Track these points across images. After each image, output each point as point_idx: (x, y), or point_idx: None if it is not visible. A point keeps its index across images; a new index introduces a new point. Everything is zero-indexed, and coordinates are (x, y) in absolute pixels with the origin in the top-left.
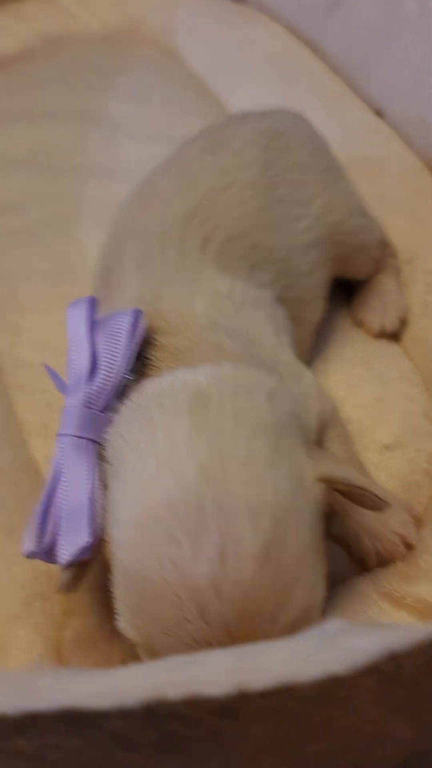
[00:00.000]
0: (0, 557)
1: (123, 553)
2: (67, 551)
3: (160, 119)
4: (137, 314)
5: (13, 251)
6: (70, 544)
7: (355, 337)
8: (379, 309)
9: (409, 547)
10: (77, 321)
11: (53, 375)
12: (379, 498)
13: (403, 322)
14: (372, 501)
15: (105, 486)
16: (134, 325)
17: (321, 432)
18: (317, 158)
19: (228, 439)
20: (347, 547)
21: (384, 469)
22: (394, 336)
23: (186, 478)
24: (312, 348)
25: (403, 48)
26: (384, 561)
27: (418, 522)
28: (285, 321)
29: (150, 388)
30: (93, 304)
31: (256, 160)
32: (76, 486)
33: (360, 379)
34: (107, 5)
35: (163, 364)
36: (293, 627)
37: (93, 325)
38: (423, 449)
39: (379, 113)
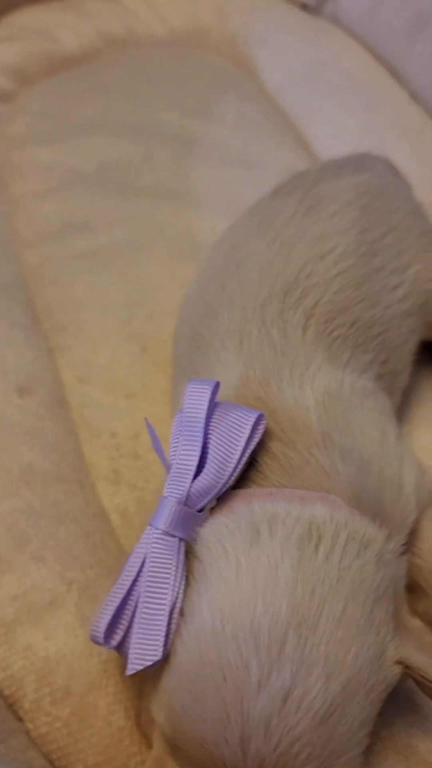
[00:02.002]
0: (77, 619)
1: (189, 653)
2: (135, 663)
3: (235, 140)
4: (260, 418)
5: (83, 277)
6: (140, 657)
7: None
8: None
9: None
10: (196, 405)
11: (155, 443)
12: None
13: None
14: None
15: (187, 581)
16: (254, 428)
17: (421, 510)
18: (415, 220)
19: (328, 590)
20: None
21: None
22: None
23: (277, 611)
24: (398, 411)
25: None
26: None
27: None
28: (386, 401)
29: (260, 502)
30: (216, 390)
31: (355, 223)
32: (158, 593)
33: None
34: (174, 7)
35: (273, 475)
36: None
37: (210, 412)
38: None
39: None
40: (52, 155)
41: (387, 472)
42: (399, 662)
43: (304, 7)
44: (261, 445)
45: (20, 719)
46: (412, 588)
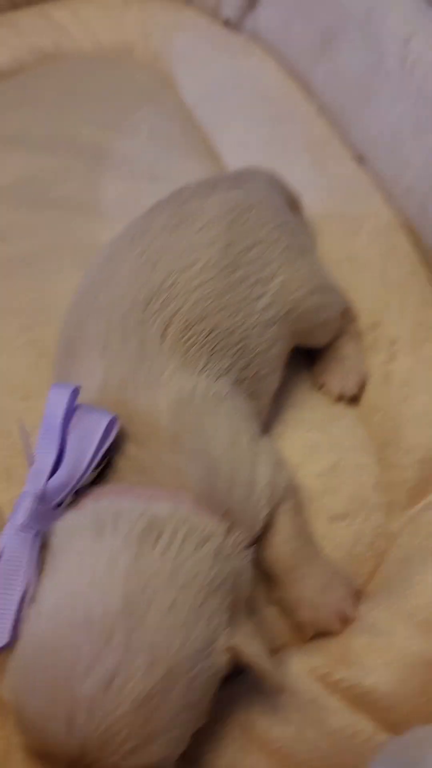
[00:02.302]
0: None
1: (30, 637)
2: None
3: (146, 153)
4: (113, 421)
5: None
6: None
7: (314, 400)
8: (339, 373)
9: (346, 622)
10: (55, 408)
11: (25, 443)
12: (279, 682)
13: (362, 387)
14: (272, 683)
15: (40, 570)
16: (108, 430)
17: (274, 506)
18: (281, 234)
19: (161, 583)
20: (286, 614)
21: (331, 540)
22: (353, 400)
23: (111, 603)
24: (271, 410)
25: (384, 103)
26: (320, 632)
27: (358, 596)
28: (244, 404)
29: (108, 500)
30: (76, 394)
31: (219, 237)
32: (9, 583)
33: (315, 445)
34: (103, 24)
35: (128, 476)
36: None
37: (69, 415)
38: (369, 521)
39: (360, 159)
40: None
41: (238, 472)
42: (229, 649)
43: (227, 23)
44: (117, 447)
45: None
46: (269, 577)
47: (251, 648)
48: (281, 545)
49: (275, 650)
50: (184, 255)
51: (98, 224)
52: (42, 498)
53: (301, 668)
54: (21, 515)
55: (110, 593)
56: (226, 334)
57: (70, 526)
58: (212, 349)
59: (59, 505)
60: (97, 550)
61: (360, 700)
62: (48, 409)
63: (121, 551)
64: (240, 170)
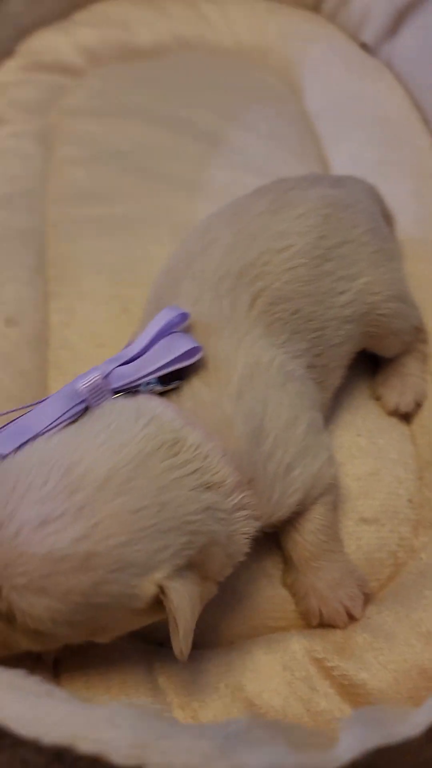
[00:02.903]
0: None
1: (20, 455)
2: None
3: (260, 150)
4: (196, 350)
5: (87, 239)
6: None
7: (369, 408)
8: (398, 388)
9: (351, 618)
10: (160, 319)
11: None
12: (182, 648)
13: (417, 407)
14: (176, 642)
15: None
16: (188, 355)
17: (313, 497)
18: (372, 238)
19: (145, 487)
20: (295, 601)
21: (356, 540)
22: (407, 417)
23: (95, 469)
24: (328, 408)
25: None
26: (325, 624)
27: (368, 599)
28: (312, 391)
29: (157, 404)
30: (184, 318)
31: (315, 228)
32: (41, 416)
33: (360, 450)
34: (246, 24)
35: (183, 400)
36: None
37: (167, 327)
38: (396, 531)
39: None
40: (96, 129)
41: (280, 450)
42: (158, 586)
43: (364, 46)
44: (187, 377)
45: None
46: (286, 561)
47: (179, 600)
48: (309, 534)
49: (277, 629)
50: (280, 238)
51: (199, 204)
52: (105, 377)
53: (300, 647)
54: (83, 382)
55: (101, 463)
56: (307, 319)
57: (116, 405)
58: (294, 329)
59: (117, 392)
60: (119, 429)
61: (350, 690)
62: (155, 319)
63: (137, 443)
64: (343, 175)
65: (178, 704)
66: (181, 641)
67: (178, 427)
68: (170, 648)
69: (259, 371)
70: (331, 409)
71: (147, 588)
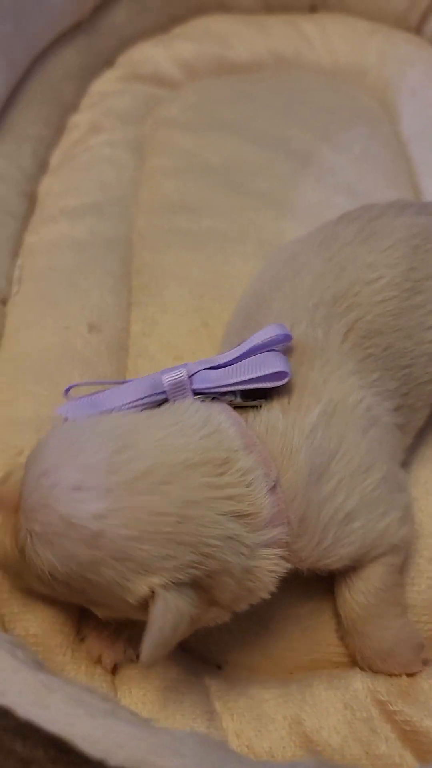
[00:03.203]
0: None
1: (81, 420)
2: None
3: (351, 171)
4: (283, 376)
5: (173, 251)
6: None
7: None
8: None
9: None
10: (264, 334)
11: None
12: (145, 656)
13: None
14: (143, 647)
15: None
16: (276, 377)
17: (372, 555)
18: None
19: (176, 494)
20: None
21: (426, 579)
22: None
23: (143, 458)
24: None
25: None
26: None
27: (425, 664)
28: (397, 439)
29: (225, 417)
30: (287, 339)
31: (404, 260)
32: (118, 395)
33: None
34: (345, 44)
35: (254, 422)
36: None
37: (267, 344)
38: None
39: None
40: (189, 142)
41: (343, 496)
42: (150, 589)
43: None
44: (269, 399)
45: None
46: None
47: (162, 611)
48: (359, 594)
49: (340, 665)
50: (369, 270)
51: (287, 223)
52: (190, 376)
53: (363, 687)
54: (168, 376)
55: (148, 456)
56: (398, 355)
57: (191, 407)
58: (385, 365)
59: (198, 394)
60: (180, 431)
61: (412, 737)
62: (260, 332)
63: (188, 450)
64: (430, 201)
65: (234, 731)
66: (146, 650)
67: (235, 448)
68: (228, 672)
69: (342, 411)
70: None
71: (140, 587)
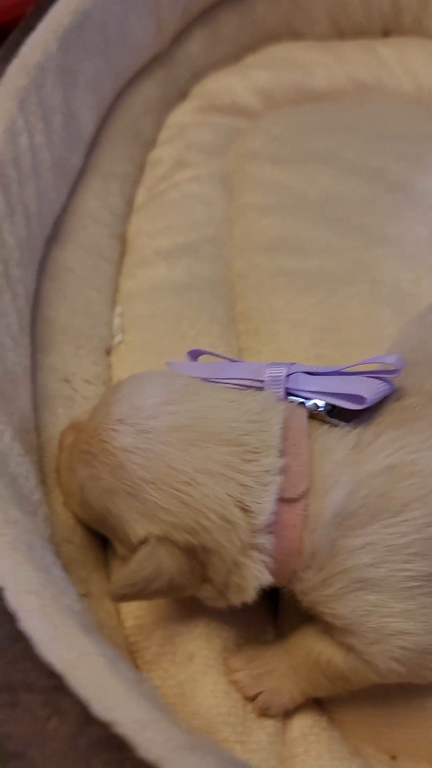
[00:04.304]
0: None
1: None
2: None
3: None
4: (361, 401)
5: (285, 292)
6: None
7: None
8: None
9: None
10: (382, 358)
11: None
12: (115, 589)
13: None
14: (115, 578)
15: None
16: (353, 399)
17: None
18: None
19: (197, 458)
20: None
21: None
22: None
23: (171, 418)
24: None
25: None
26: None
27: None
28: None
29: (294, 424)
30: (386, 374)
31: None
32: (223, 370)
33: None
34: (426, 67)
35: (319, 435)
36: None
37: (376, 373)
38: None
39: None
40: (281, 176)
41: (365, 559)
42: (146, 534)
43: None
44: (354, 427)
45: (137, 668)
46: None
47: (144, 557)
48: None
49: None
50: None
51: (399, 261)
52: (287, 375)
53: None
54: (269, 370)
55: (190, 412)
56: None
57: (261, 394)
58: None
59: (289, 393)
60: (237, 405)
61: None
62: (378, 357)
63: (227, 423)
64: None
65: None
66: (116, 583)
67: (269, 445)
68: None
69: (421, 482)
70: None
71: (139, 529)
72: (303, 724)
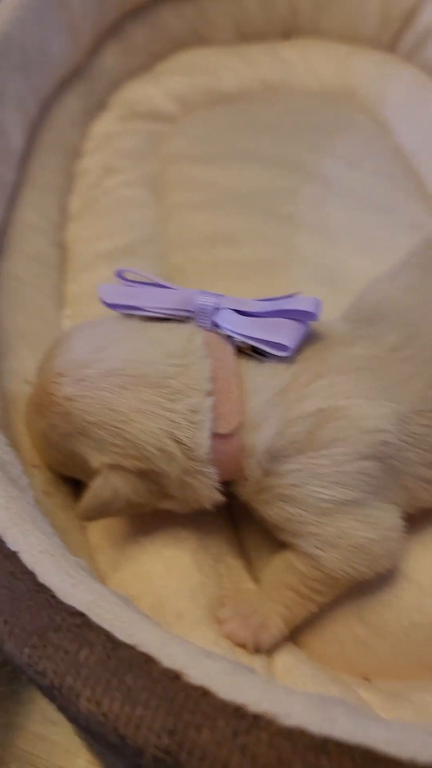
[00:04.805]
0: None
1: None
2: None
3: (370, 187)
4: (285, 349)
5: (223, 283)
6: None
7: None
8: None
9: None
10: (300, 303)
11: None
12: (79, 512)
13: None
14: (79, 504)
15: None
16: (278, 347)
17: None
18: None
19: (130, 398)
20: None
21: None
22: None
23: (105, 362)
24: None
25: None
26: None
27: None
28: (398, 495)
29: (204, 358)
30: (313, 317)
31: None
32: (151, 297)
33: None
34: (327, 66)
35: (249, 372)
36: None
37: (295, 314)
38: None
39: None
40: (206, 174)
41: (290, 479)
42: (99, 464)
43: None
44: (282, 361)
45: None
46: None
47: (100, 484)
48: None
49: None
50: None
51: (326, 244)
52: (216, 308)
53: None
54: (198, 299)
55: (119, 359)
56: None
57: (187, 330)
58: None
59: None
60: (155, 347)
61: None
62: (298, 298)
63: (153, 367)
64: None
65: None
66: (80, 508)
67: (194, 386)
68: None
69: (347, 425)
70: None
71: (94, 461)
72: (285, 659)
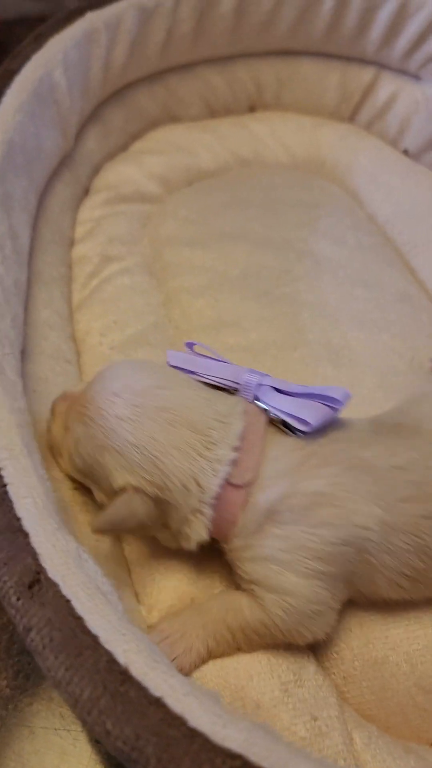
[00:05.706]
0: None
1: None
2: None
3: (356, 262)
4: (307, 425)
5: None
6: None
7: None
8: None
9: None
10: (337, 393)
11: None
12: (96, 525)
13: None
14: (98, 518)
15: None
16: (300, 422)
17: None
18: None
19: (168, 435)
20: None
21: None
22: None
23: (157, 399)
24: None
25: None
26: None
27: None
28: (364, 581)
29: (240, 422)
30: (345, 400)
31: None
32: (209, 368)
33: None
34: (296, 140)
35: (273, 442)
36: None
37: (330, 401)
38: None
39: None
40: (200, 258)
41: (278, 544)
42: (125, 484)
43: (405, 152)
44: (304, 439)
45: None
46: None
47: (122, 502)
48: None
49: None
50: None
51: (326, 321)
52: (259, 385)
53: None
54: (246, 376)
55: (175, 401)
56: None
57: (234, 399)
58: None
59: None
60: (206, 403)
61: None
62: (338, 388)
63: (199, 417)
64: None
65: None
66: (99, 522)
67: (227, 441)
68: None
69: (338, 512)
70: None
71: (120, 479)
72: (362, 735)
